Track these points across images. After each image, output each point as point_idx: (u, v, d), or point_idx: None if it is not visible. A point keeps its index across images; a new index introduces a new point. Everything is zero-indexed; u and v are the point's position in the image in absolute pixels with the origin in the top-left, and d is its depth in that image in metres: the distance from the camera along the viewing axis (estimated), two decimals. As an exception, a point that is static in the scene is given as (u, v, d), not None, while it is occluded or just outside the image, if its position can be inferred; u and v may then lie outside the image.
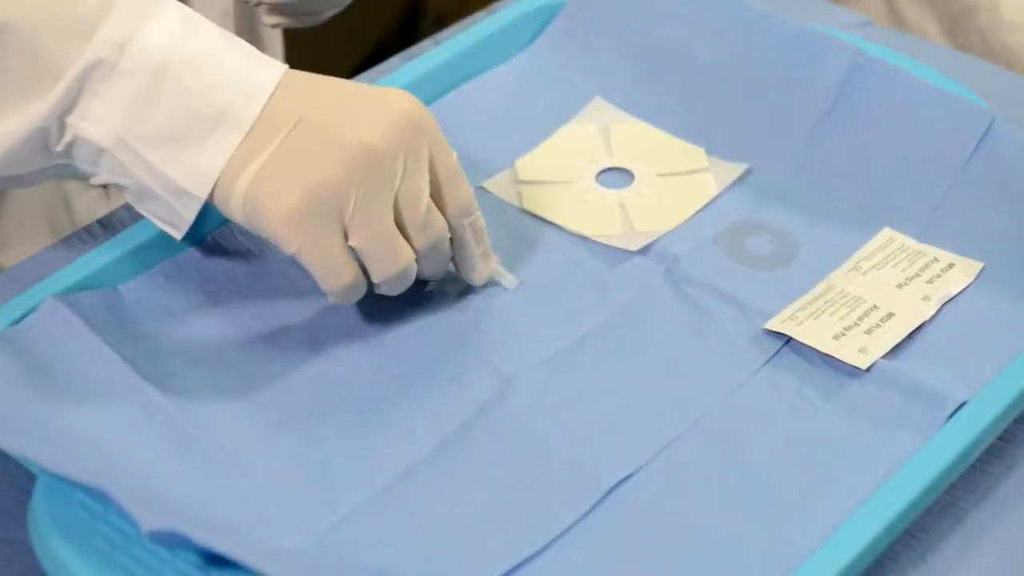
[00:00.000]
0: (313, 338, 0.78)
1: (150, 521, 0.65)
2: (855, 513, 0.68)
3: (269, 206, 0.73)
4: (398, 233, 0.75)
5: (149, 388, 0.74)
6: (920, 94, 0.86)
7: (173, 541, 0.66)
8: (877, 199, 0.85)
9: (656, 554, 0.69)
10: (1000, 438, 0.75)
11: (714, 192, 0.86)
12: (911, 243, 0.83)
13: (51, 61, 0.72)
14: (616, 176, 0.88)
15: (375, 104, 0.75)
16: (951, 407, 0.73)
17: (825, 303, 0.79)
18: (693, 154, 0.89)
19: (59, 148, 0.74)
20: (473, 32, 0.93)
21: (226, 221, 0.82)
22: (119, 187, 0.76)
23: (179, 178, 0.74)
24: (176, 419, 0.72)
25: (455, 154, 0.77)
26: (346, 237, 0.74)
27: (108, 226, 0.85)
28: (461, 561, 0.68)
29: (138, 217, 0.80)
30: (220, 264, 0.81)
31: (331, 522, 0.70)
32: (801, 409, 0.75)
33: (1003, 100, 0.89)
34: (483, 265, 0.80)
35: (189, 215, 0.75)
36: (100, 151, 0.74)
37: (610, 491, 0.71)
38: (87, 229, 0.85)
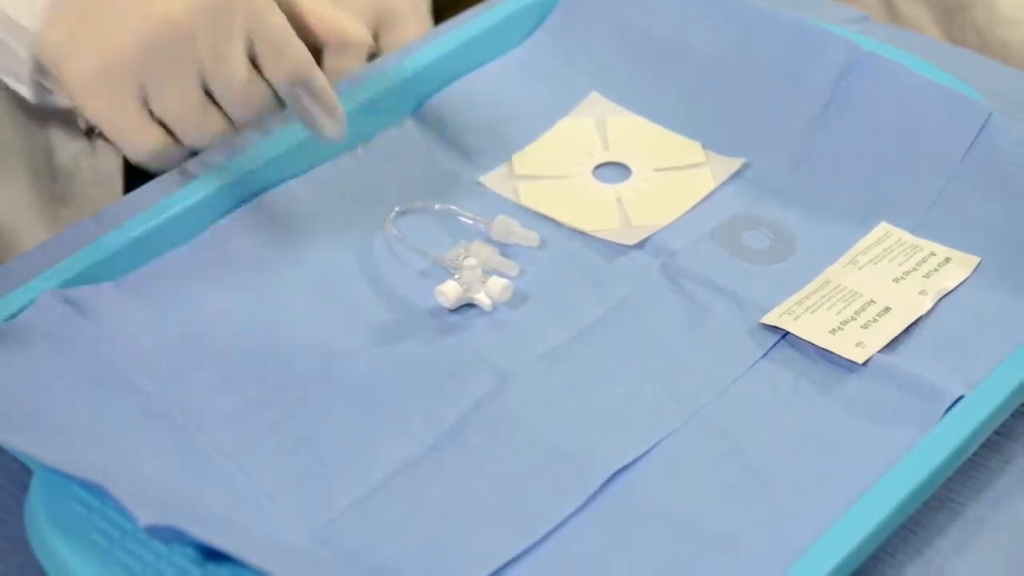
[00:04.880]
0: (310, 334, 0.78)
1: (147, 516, 0.65)
2: (852, 507, 0.68)
3: (68, 65, 0.73)
4: (206, 105, 0.74)
5: (145, 384, 0.74)
6: (917, 89, 0.86)
7: (170, 536, 0.66)
8: (874, 193, 0.85)
9: (653, 547, 0.69)
10: (997, 432, 0.75)
11: (711, 187, 0.86)
12: (908, 237, 0.83)
13: None
14: (613, 171, 0.88)
15: None
16: (948, 401, 0.73)
17: (822, 297, 0.79)
18: (690, 149, 0.89)
19: None
20: (469, 27, 0.93)
21: (222, 216, 0.82)
22: None
23: (8, 5, 0.75)
24: (172, 415, 0.72)
25: (281, 17, 0.75)
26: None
27: (105, 220, 0.84)
28: (458, 555, 0.68)
29: (135, 211, 0.80)
30: (217, 260, 0.80)
31: (328, 517, 0.70)
32: (798, 403, 0.75)
33: (999, 95, 0.89)
34: (330, 122, 0.79)
35: (24, 53, 0.76)
36: None
37: (606, 484, 0.71)
38: (83, 223, 0.85)
